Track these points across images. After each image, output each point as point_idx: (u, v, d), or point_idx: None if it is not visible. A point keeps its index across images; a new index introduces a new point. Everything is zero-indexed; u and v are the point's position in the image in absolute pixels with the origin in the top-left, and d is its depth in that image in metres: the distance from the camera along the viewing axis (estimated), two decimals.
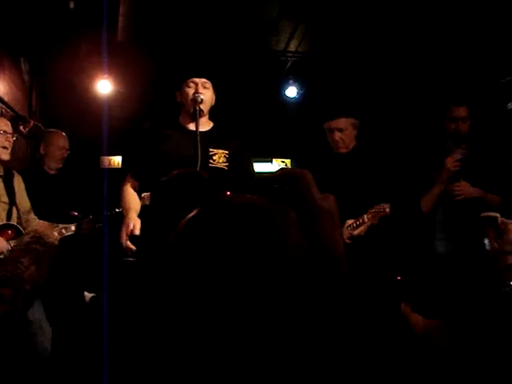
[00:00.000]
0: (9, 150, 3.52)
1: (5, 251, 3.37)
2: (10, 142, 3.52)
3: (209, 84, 3.16)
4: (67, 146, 4.57)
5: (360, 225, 3.46)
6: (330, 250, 0.68)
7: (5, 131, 3.50)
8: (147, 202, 2.98)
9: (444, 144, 3.95)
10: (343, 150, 3.83)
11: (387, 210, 3.40)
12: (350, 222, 3.51)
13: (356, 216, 3.50)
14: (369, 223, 3.45)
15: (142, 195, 3.10)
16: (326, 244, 0.68)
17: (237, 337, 0.61)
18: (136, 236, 2.86)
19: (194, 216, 0.70)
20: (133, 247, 2.85)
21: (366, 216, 3.45)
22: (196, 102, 3.04)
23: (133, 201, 3.12)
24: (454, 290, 3.52)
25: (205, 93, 3.11)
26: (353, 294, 0.76)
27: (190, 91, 3.10)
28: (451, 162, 3.70)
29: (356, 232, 3.46)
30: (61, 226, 3.75)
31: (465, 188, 3.69)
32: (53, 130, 4.66)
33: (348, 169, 3.75)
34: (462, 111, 3.80)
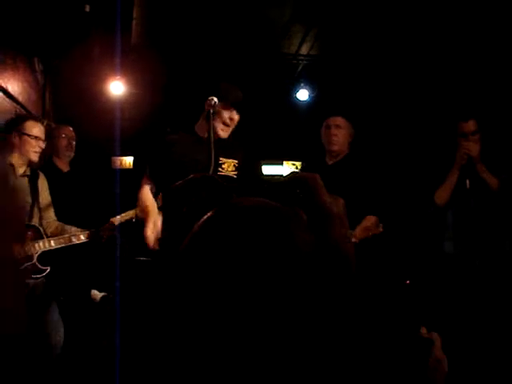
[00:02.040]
0: (38, 154, 3.74)
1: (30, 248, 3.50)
2: (41, 147, 3.74)
3: (238, 116, 3.20)
4: (72, 135, 4.67)
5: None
6: (339, 251, 0.71)
7: (38, 137, 3.72)
8: (160, 204, 3.02)
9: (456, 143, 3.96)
10: (336, 148, 3.90)
11: (380, 229, 3.43)
12: None
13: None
14: (360, 237, 3.48)
15: (158, 197, 3.14)
16: (335, 245, 0.71)
17: (246, 334, 0.63)
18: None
19: (208, 218, 0.73)
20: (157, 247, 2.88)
21: (357, 230, 3.50)
22: (209, 105, 3.02)
23: (151, 202, 3.15)
24: (461, 290, 3.54)
25: (234, 120, 3.18)
26: (361, 293, 0.78)
27: (226, 115, 3.13)
28: (466, 147, 3.75)
29: None
30: (73, 229, 3.81)
31: (473, 147, 3.75)
32: (53, 124, 4.79)
33: (338, 178, 3.78)
34: (470, 126, 3.85)
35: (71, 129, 4.68)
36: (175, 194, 0.80)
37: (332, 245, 0.69)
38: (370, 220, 3.58)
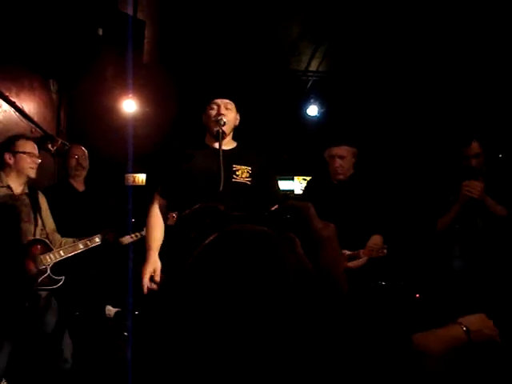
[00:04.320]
0: (35, 170, 3.76)
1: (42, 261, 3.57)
2: (36, 163, 3.77)
3: (231, 105, 3.19)
4: (83, 155, 4.70)
5: (355, 257, 3.50)
6: (330, 273, 0.77)
7: (32, 153, 3.75)
8: (172, 223, 3.05)
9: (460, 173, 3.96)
10: (341, 177, 3.93)
11: (385, 251, 3.44)
12: (346, 252, 3.53)
13: (351, 244, 3.51)
14: (365, 259, 3.51)
15: (169, 215, 3.16)
16: (326, 267, 0.77)
17: (244, 345, 0.70)
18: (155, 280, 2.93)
19: (210, 241, 0.81)
20: (154, 287, 2.90)
21: (362, 252, 3.52)
22: (219, 124, 3.09)
23: (157, 233, 3.14)
24: (469, 305, 3.55)
25: (227, 114, 3.15)
26: (356, 311, 0.85)
27: (213, 113, 3.15)
28: (469, 186, 3.69)
29: (351, 264, 3.49)
30: (85, 238, 3.88)
31: (477, 188, 3.66)
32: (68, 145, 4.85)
33: (344, 197, 3.84)
34: (472, 149, 3.82)
35: (83, 148, 4.72)
36: (184, 222, 0.89)
37: (323, 266, 0.76)
38: (375, 240, 3.63)
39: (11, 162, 3.65)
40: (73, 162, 4.61)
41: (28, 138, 3.86)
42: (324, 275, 0.76)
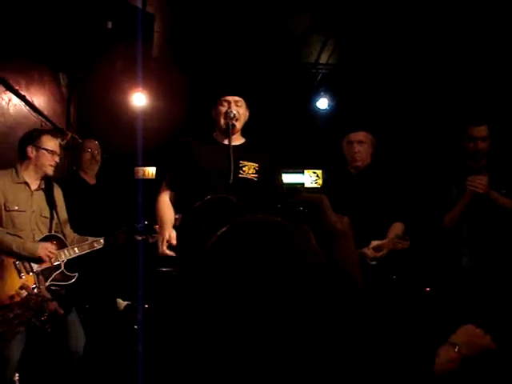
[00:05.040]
0: (53, 168, 3.73)
1: (57, 257, 3.58)
2: (56, 161, 3.73)
3: (241, 102, 3.23)
4: (97, 149, 4.70)
5: (381, 249, 3.48)
6: (344, 266, 0.76)
7: (55, 152, 3.71)
8: (177, 224, 3.08)
9: (463, 160, 3.93)
10: (359, 164, 3.86)
11: (407, 244, 3.41)
12: (375, 242, 3.51)
13: (370, 234, 3.51)
14: (388, 249, 3.46)
15: (175, 216, 3.18)
16: (340, 260, 0.76)
17: (257, 338, 0.69)
18: (173, 246, 2.95)
19: (223, 232, 0.79)
20: (171, 253, 2.93)
21: (386, 243, 3.47)
22: (229, 117, 3.12)
23: (167, 212, 3.19)
24: (478, 303, 3.52)
25: (237, 110, 3.19)
26: (370, 304, 0.84)
27: (223, 109, 3.18)
28: (474, 182, 3.65)
29: (379, 254, 3.47)
30: (90, 239, 3.85)
31: (482, 182, 3.62)
32: (80, 140, 4.83)
33: (362, 187, 3.78)
34: (481, 131, 3.78)
35: (96, 142, 4.72)
36: (195, 214, 0.87)
37: (337, 260, 0.75)
38: (396, 229, 3.59)
39: (32, 156, 3.61)
40: (87, 156, 4.61)
41: (53, 135, 3.84)
42: (338, 269, 0.75)
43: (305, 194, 0.82)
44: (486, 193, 3.62)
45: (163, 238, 2.98)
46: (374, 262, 3.47)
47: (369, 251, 3.47)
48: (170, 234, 2.98)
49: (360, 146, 3.84)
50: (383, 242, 3.48)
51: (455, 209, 3.79)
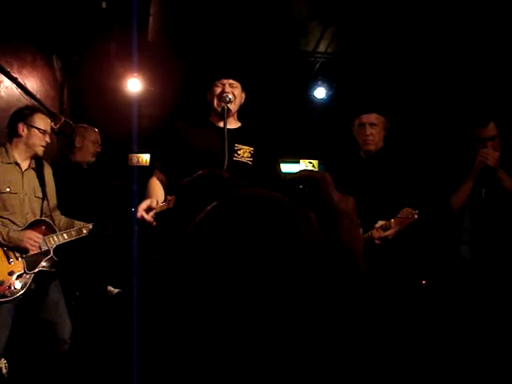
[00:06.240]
0: (44, 148, 3.62)
1: (41, 245, 3.47)
2: (47, 141, 3.63)
3: (237, 84, 3.23)
4: (99, 142, 4.63)
5: (387, 228, 3.41)
6: (347, 250, 0.69)
7: (46, 131, 3.61)
8: (171, 206, 3.03)
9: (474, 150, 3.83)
10: (372, 147, 3.74)
11: (415, 216, 3.32)
12: (381, 222, 3.43)
13: (383, 216, 3.43)
14: (396, 228, 3.38)
15: (168, 198, 3.14)
16: (343, 244, 0.69)
17: (249, 327, 0.62)
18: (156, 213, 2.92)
19: (212, 207, 0.72)
20: (148, 218, 2.88)
21: (393, 221, 3.38)
22: (224, 100, 3.10)
23: (157, 190, 3.16)
24: (477, 294, 3.48)
25: (233, 92, 3.18)
26: (371, 293, 0.77)
27: (218, 90, 3.19)
28: (486, 153, 3.57)
29: (384, 234, 3.40)
30: (78, 224, 3.75)
31: (493, 155, 3.55)
32: (85, 124, 4.72)
33: (375, 170, 3.67)
34: (489, 130, 3.67)
35: (98, 132, 4.65)
36: (184, 192, 0.80)
37: (340, 243, 0.68)
38: (405, 212, 3.49)
39: (23, 134, 3.50)
40: (91, 148, 4.53)
41: (45, 114, 3.72)
42: (340, 253, 0.68)
43: (305, 171, 0.75)
44: (495, 166, 3.53)
45: (145, 203, 2.92)
46: (378, 242, 3.40)
47: (375, 231, 3.41)
48: (151, 201, 2.93)
49: (372, 128, 3.72)
50: (390, 221, 3.39)
51: (462, 186, 3.70)
